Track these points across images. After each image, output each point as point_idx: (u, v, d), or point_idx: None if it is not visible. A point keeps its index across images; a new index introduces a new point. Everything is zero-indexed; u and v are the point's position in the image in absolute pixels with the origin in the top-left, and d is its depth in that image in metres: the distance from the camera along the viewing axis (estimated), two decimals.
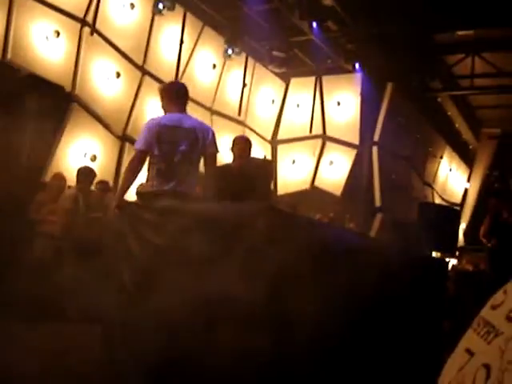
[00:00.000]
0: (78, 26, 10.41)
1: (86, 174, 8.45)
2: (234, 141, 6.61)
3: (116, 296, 4.65)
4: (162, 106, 5.56)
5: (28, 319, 6.03)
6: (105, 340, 4.71)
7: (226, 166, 6.48)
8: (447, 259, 8.99)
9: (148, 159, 5.28)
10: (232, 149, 6.51)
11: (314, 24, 12.12)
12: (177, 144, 5.25)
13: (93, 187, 8.62)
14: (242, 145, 6.53)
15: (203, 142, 5.42)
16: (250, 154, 6.56)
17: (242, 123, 13.87)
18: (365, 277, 4.94)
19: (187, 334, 4.01)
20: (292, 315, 4.15)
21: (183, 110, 5.50)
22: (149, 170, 5.27)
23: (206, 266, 4.22)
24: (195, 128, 5.41)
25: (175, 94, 5.56)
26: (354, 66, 13.77)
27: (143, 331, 4.39)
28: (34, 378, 4.03)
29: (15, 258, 6.72)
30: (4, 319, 5.67)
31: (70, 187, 8.67)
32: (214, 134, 5.58)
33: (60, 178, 8.52)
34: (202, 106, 12.84)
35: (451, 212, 13.13)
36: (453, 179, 19.85)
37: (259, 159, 6.47)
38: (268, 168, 6.44)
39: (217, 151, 5.58)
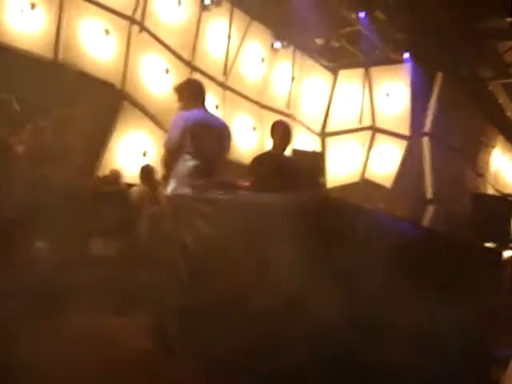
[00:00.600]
0: (127, 24, 10.52)
1: (148, 172, 8.60)
2: (273, 126, 6.39)
3: (172, 287, 4.71)
4: (183, 105, 5.54)
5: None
6: (158, 330, 4.75)
7: (268, 155, 6.34)
8: (501, 250, 8.83)
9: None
10: (272, 135, 6.32)
11: (362, 14, 12.01)
12: (208, 141, 5.25)
13: None
14: (281, 131, 6.30)
15: (228, 140, 5.52)
16: (290, 140, 6.38)
17: (290, 116, 13.84)
18: (422, 268, 4.89)
19: (249, 323, 4.04)
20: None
21: (204, 106, 5.54)
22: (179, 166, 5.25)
23: (260, 256, 4.24)
24: (221, 126, 5.54)
25: (198, 90, 5.59)
26: (402, 56, 13.58)
27: (200, 321, 4.44)
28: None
29: None
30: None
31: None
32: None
33: (116, 173, 8.66)
34: (251, 100, 12.86)
35: (505, 202, 12.85)
36: (506, 169, 19.45)
37: (308, 151, 6.38)
38: (316, 160, 6.34)
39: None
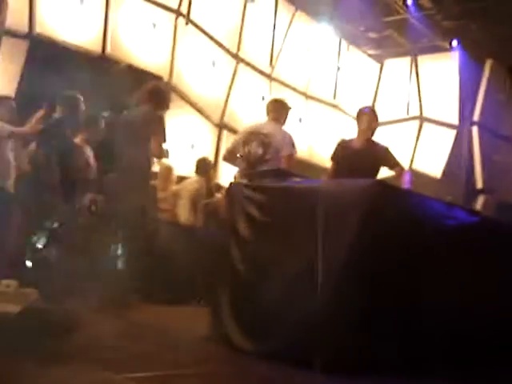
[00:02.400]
0: (173, 16, 10.56)
1: (204, 165, 8.67)
2: (359, 112, 6.41)
3: (227, 276, 4.71)
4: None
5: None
6: (213, 317, 4.75)
7: (348, 146, 6.31)
8: None
9: None
10: (357, 121, 6.32)
11: (410, 1, 11.84)
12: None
13: None
14: (368, 117, 6.29)
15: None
16: (375, 127, 6.33)
17: (337, 107, 13.74)
18: (478, 253, 4.80)
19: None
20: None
21: None
22: None
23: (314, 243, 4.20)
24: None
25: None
26: (450, 43, 13.33)
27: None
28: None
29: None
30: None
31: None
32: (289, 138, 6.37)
33: (167, 167, 8.70)
34: (297, 90, 12.81)
35: None
36: None
37: (382, 145, 6.31)
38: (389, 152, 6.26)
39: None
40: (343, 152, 6.14)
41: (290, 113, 6.86)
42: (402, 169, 6.13)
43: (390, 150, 6.25)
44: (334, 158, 6.26)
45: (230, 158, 6.58)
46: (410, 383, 3.90)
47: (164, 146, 6.40)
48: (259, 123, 6.79)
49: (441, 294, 4.37)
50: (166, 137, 6.33)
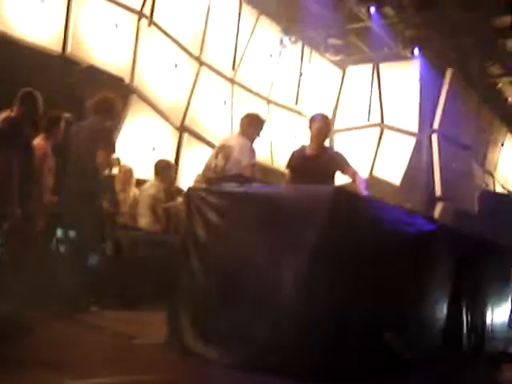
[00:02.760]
0: (136, 17, 10.47)
1: (163, 167, 8.55)
2: (311, 119, 6.40)
3: (185, 281, 4.66)
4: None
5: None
6: (170, 324, 4.70)
7: (302, 154, 6.33)
8: None
9: None
10: (310, 127, 6.30)
11: (373, 9, 11.93)
12: None
13: None
14: (319, 123, 6.27)
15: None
16: (327, 135, 6.43)
17: (299, 112, 13.77)
18: (436, 262, 4.87)
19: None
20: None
21: None
22: None
23: (274, 248, 4.19)
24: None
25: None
26: (412, 52, 13.47)
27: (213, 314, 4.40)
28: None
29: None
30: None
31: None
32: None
33: (127, 170, 8.60)
34: (259, 95, 12.81)
35: None
36: None
37: (333, 150, 6.38)
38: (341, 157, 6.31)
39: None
40: (297, 160, 6.18)
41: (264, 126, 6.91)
42: (354, 171, 6.15)
43: (342, 154, 6.30)
44: (289, 166, 6.30)
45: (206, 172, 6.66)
46: None
47: (113, 155, 6.40)
48: (228, 137, 7.13)
49: (400, 298, 4.42)
50: (114, 147, 6.36)
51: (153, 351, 4.60)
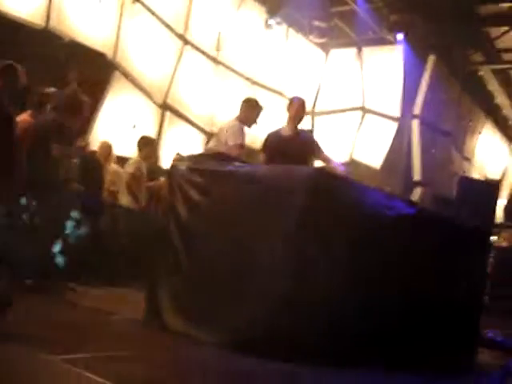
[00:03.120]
0: None
1: (146, 143, 8.53)
2: (290, 101, 6.59)
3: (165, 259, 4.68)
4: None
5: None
6: (149, 301, 4.73)
7: (278, 135, 6.39)
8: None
9: None
10: (288, 109, 6.43)
11: None
12: None
13: None
14: (298, 106, 6.43)
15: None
16: (303, 115, 6.52)
17: (281, 94, 13.76)
18: (415, 244, 4.91)
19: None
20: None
21: None
22: None
23: (255, 226, 4.23)
24: None
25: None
26: (396, 37, 13.48)
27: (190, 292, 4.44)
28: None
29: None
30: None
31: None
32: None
33: (106, 146, 8.58)
34: (242, 76, 12.79)
35: (490, 187, 12.91)
36: (493, 155, 19.53)
37: (309, 134, 6.43)
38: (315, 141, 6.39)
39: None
40: (273, 141, 6.24)
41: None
42: (327, 157, 6.24)
43: (316, 139, 6.39)
44: (265, 149, 6.36)
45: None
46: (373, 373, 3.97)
47: (68, 149, 6.33)
48: (227, 121, 7.15)
49: (381, 281, 4.47)
50: (70, 141, 6.31)
51: (131, 327, 4.63)
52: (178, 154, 5.22)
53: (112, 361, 3.43)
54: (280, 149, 5.92)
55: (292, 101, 6.55)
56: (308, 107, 14.59)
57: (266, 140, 6.38)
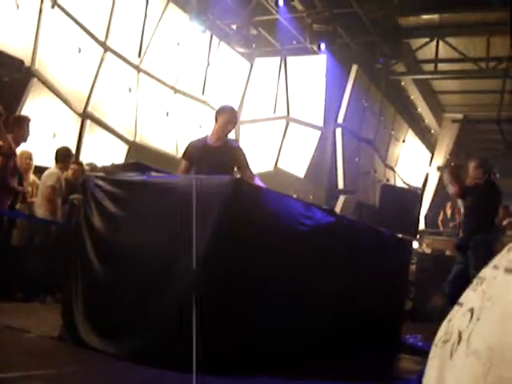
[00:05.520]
0: None
1: (64, 154, 8.28)
2: (220, 110, 6.19)
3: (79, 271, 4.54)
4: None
5: None
6: (64, 316, 4.58)
7: (203, 143, 6.18)
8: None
9: None
10: (217, 117, 6.07)
11: (281, 2, 11.99)
12: None
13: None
14: (230, 115, 6.10)
15: None
16: (233, 126, 6.24)
17: (205, 103, 13.70)
18: (334, 252, 4.93)
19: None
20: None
21: None
22: None
23: (170, 237, 4.16)
24: None
25: None
26: (319, 47, 13.61)
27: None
28: None
29: None
30: None
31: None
32: None
33: (27, 155, 8.27)
34: (165, 84, 12.67)
35: (413, 195, 13.16)
36: (415, 163, 19.99)
37: (236, 144, 6.25)
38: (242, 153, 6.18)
39: None
40: (196, 150, 5.96)
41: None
42: (251, 175, 5.96)
43: (243, 151, 6.19)
44: (186, 156, 6.04)
45: None
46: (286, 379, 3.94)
47: None
48: None
49: (299, 287, 4.47)
50: None
51: (46, 345, 4.48)
52: (90, 164, 5.09)
53: (20, 381, 3.31)
54: (204, 158, 5.71)
55: (222, 109, 6.19)
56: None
57: (188, 148, 6.13)
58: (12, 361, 3.78)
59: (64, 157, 8.28)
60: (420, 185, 19.80)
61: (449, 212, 17.04)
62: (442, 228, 16.03)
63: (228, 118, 6.04)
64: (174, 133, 12.60)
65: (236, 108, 14.35)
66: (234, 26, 13.39)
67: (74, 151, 10.15)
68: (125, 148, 11.62)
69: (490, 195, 7.48)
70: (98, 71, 11.11)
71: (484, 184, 7.49)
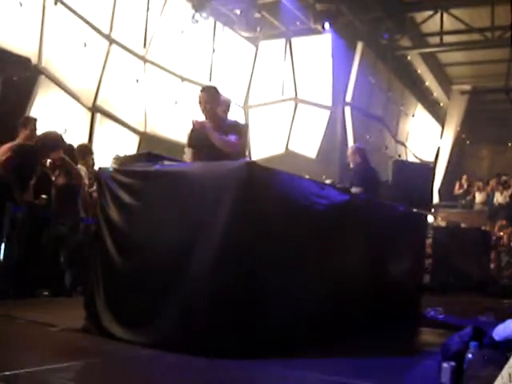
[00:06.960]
0: None
1: (84, 151, 8.34)
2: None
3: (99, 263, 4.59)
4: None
5: None
6: (87, 308, 4.63)
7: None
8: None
9: None
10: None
11: None
12: None
13: None
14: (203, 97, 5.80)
15: None
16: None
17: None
18: (350, 230, 4.96)
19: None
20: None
21: None
22: None
23: (186, 226, 4.19)
24: None
25: None
26: (323, 26, 13.56)
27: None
28: None
29: None
30: None
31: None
32: None
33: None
34: (172, 73, 12.68)
35: (425, 169, 13.12)
36: (425, 137, 19.91)
37: (234, 121, 6.15)
38: (242, 131, 6.12)
39: None
40: (198, 135, 5.85)
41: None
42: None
43: (239, 123, 6.10)
44: (191, 143, 5.95)
45: None
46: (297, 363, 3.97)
47: None
48: None
49: (317, 268, 4.50)
50: None
51: (72, 337, 4.53)
52: (117, 157, 5.12)
53: (49, 373, 3.36)
54: (207, 141, 5.66)
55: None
56: (240, 101, 14.76)
57: (191, 136, 6.05)
58: (39, 355, 3.82)
59: (84, 154, 8.31)
60: (432, 159, 19.75)
61: (465, 184, 17.04)
62: (459, 198, 16.06)
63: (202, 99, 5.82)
64: (183, 121, 12.61)
65: (243, 92, 14.49)
66: (238, 11, 13.37)
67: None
68: (136, 139, 11.68)
69: None
70: (104, 64, 11.15)
71: None
